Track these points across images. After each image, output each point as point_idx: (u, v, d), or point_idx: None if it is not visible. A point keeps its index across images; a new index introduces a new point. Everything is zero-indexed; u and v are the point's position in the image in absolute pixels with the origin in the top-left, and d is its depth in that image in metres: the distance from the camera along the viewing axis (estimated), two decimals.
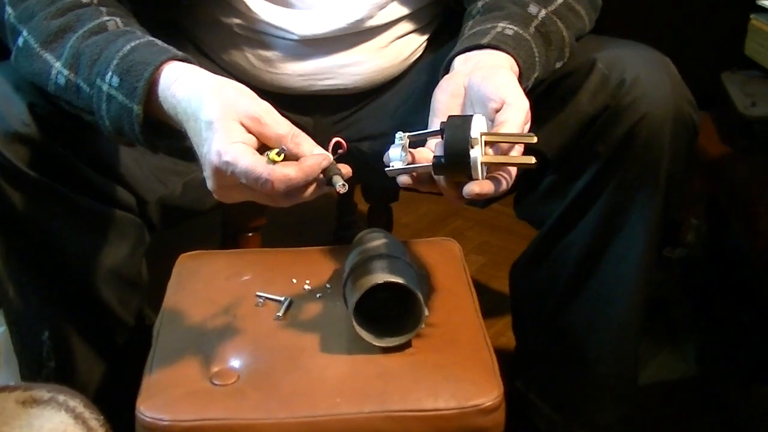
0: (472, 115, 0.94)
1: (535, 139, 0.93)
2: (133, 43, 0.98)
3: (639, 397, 1.33)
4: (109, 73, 0.97)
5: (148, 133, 0.97)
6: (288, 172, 0.89)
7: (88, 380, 1.18)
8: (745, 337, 1.54)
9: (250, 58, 1.23)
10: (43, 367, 1.16)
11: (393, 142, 0.97)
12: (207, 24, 1.25)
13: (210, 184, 0.92)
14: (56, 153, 1.07)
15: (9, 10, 1.05)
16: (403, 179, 0.97)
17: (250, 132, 0.91)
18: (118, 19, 1.03)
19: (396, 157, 0.97)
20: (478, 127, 0.93)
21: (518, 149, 0.94)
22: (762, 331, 1.51)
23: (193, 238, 1.28)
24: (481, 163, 0.93)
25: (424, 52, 1.30)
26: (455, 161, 0.93)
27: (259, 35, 1.22)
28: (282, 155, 0.91)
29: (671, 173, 1.12)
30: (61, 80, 1.00)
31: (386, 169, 0.97)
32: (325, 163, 0.92)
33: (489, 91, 0.97)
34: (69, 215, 1.09)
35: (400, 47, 1.26)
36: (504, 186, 0.94)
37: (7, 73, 1.07)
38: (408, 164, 0.97)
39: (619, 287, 1.19)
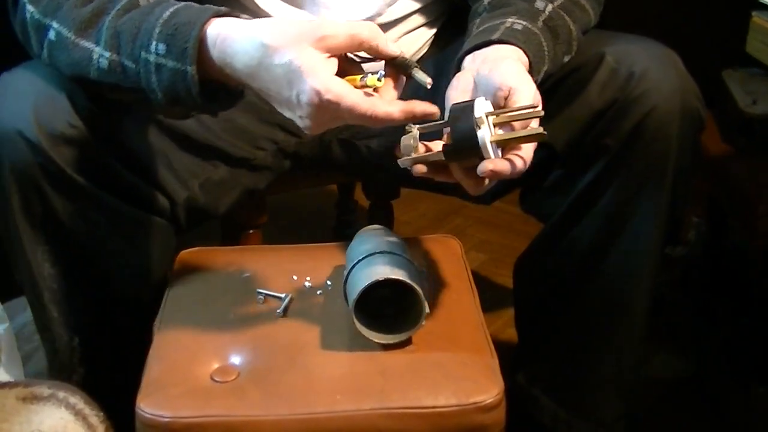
0: (474, 99, 0.95)
1: (542, 112, 0.94)
2: (171, 9, 0.97)
3: (643, 393, 1.33)
4: (154, 42, 0.96)
5: (204, 94, 0.96)
6: (392, 111, 0.92)
7: (111, 383, 1.17)
8: (744, 336, 1.54)
9: None
10: (74, 373, 1.16)
11: (404, 134, 0.98)
12: None
13: (306, 123, 0.93)
14: (98, 155, 1.05)
15: (31, 8, 1.03)
16: (418, 168, 0.97)
17: (328, 53, 0.92)
18: None
19: (408, 147, 0.97)
20: (482, 109, 0.94)
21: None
22: (761, 331, 1.51)
23: (193, 236, 1.28)
24: (491, 142, 0.93)
25: (429, 48, 1.30)
26: (464, 144, 0.93)
27: None
28: (382, 80, 0.93)
29: (678, 167, 1.12)
30: (104, 63, 0.99)
31: (399, 160, 0.97)
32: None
33: (496, 80, 0.98)
34: (109, 222, 1.08)
35: (409, 42, 1.26)
36: (520, 165, 0.95)
37: (44, 73, 1.05)
38: (420, 154, 0.97)
39: (625, 282, 1.19)
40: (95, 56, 0.99)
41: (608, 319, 1.22)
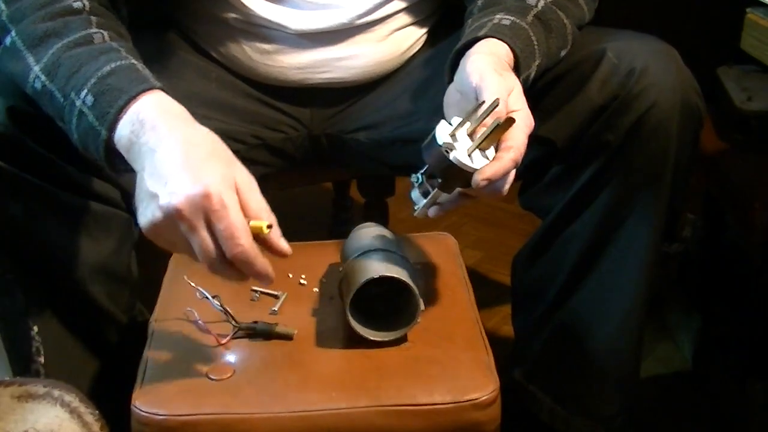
0: (435, 128, 0.96)
1: (497, 102, 0.95)
2: (113, 65, 0.98)
3: (640, 389, 1.33)
4: (85, 91, 0.96)
5: (112, 156, 0.97)
6: (268, 272, 0.92)
7: (79, 376, 1.17)
8: (741, 332, 1.54)
9: (247, 50, 1.23)
10: (33, 362, 1.15)
11: (412, 186, 1.00)
12: (203, 17, 1.25)
13: (160, 215, 0.90)
14: (35, 150, 1.05)
15: (2, 6, 1.04)
16: (432, 211, 1.00)
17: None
18: (105, 33, 1.02)
19: (418, 198, 1.00)
20: (445, 131, 0.95)
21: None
22: (757, 327, 1.51)
23: None
24: (469, 154, 0.94)
25: (423, 45, 1.30)
26: (447, 174, 0.95)
27: (255, 28, 1.22)
28: (269, 231, 0.92)
29: (678, 163, 1.13)
30: (38, 84, 1.00)
31: (413, 214, 1.00)
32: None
33: (464, 82, 0.99)
34: (51, 211, 1.07)
35: (399, 40, 1.26)
36: (511, 155, 0.95)
37: None
38: (428, 199, 0.99)
39: (624, 277, 1.19)
40: (32, 75, 1.00)
41: (606, 315, 1.22)
